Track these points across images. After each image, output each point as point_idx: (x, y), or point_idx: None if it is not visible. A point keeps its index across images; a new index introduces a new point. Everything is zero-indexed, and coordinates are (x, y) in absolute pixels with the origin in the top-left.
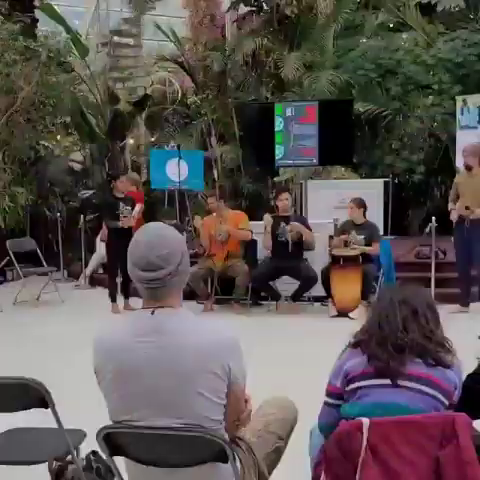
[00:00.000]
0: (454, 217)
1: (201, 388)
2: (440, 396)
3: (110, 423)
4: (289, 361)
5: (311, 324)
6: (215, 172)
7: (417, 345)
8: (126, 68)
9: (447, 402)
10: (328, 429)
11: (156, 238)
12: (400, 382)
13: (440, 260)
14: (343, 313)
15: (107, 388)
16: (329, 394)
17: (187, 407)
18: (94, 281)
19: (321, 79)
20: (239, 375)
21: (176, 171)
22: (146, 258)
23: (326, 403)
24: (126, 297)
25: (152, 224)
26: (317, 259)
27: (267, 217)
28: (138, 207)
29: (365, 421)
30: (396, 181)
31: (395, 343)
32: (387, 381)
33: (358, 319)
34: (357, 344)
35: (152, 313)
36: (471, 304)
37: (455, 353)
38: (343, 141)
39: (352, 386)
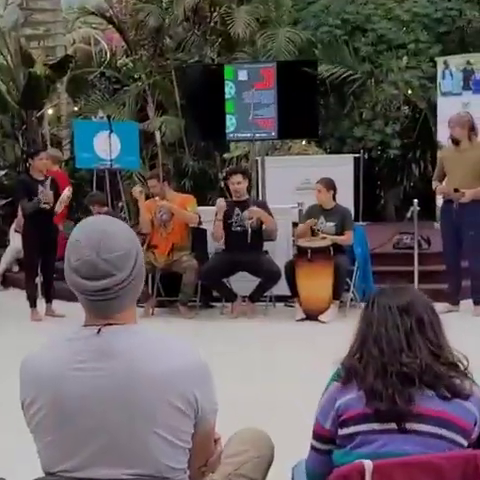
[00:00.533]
0: (440, 198)
1: (159, 427)
2: (458, 437)
3: (42, 475)
4: (249, 376)
5: (273, 329)
6: (157, 147)
7: (426, 370)
8: (42, 23)
9: (466, 443)
10: (318, 478)
11: (102, 236)
12: (409, 425)
13: (423, 250)
14: (312, 315)
15: (38, 428)
16: (318, 438)
17: (141, 452)
18: (7, 281)
19: (278, 37)
20: (208, 409)
21: (106, 147)
22: (90, 263)
23: (314, 448)
24: (48, 301)
25: (95, 218)
26: (279, 251)
27: (220, 202)
28: (67, 191)
29: (367, 464)
30: (367, 157)
31: (400, 371)
32: (392, 425)
33: (329, 323)
34: (349, 376)
35: (98, 332)
36: (461, 302)
37: (471, 376)
38: (306, 110)
39: (347, 431)
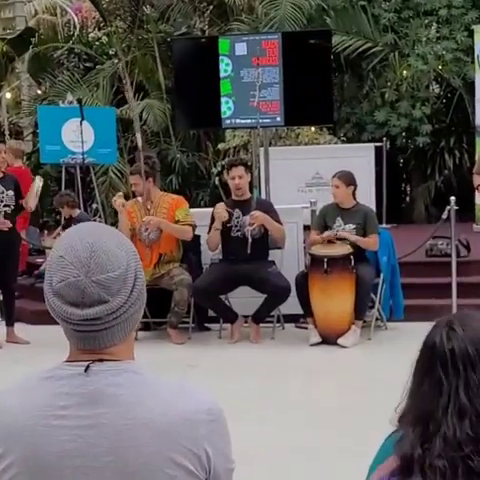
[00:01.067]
0: None
1: None
2: None
3: None
4: (256, 417)
5: (283, 357)
6: (138, 135)
7: None
8: None
9: None
10: None
11: (93, 251)
12: None
13: (462, 258)
14: (329, 339)
15: None
16: None
17: None
18: None
19: (282, 3)
20: (223, 468)
21: (77, 137)
22: (77, 285)
23: None
24: (10, 323)
25: (84, 226)
26: (288, 261)
27: (220, 210)
28: (39, 181)
29: None
30: (391, 146)
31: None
32: None
33: (351, 348)
34: (408, 460)
35: (85, 370)
36: None
37: None
38: (317, 91)
39: None
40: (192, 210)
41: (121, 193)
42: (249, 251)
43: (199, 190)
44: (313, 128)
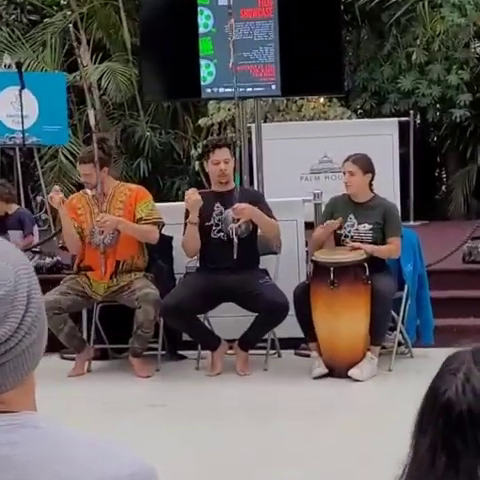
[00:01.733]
0: None
1: None
2: None
3: None
4: None
5: (278, 394)
6: (91, 112)
7: None
8: None
9: None
10: None
11: None
12: None
13: None
14: (337, 370)
15: None
16: None
17: None
18: None
19: None
20: None
21: (15, 111)
22: None
23: None
24: None
25: None
26: (285, 270)
27: (192, 195)
28: None
29: None
30: (421, 121)
31: None
32: None
33: (366, 381)
34: None
35: None
36: None
37: None
38: (324, 51)
39: None
40: (164, 205)
41: (57, 187)
42: (235, 255)
43: (175, 178)
44: (322, 99)
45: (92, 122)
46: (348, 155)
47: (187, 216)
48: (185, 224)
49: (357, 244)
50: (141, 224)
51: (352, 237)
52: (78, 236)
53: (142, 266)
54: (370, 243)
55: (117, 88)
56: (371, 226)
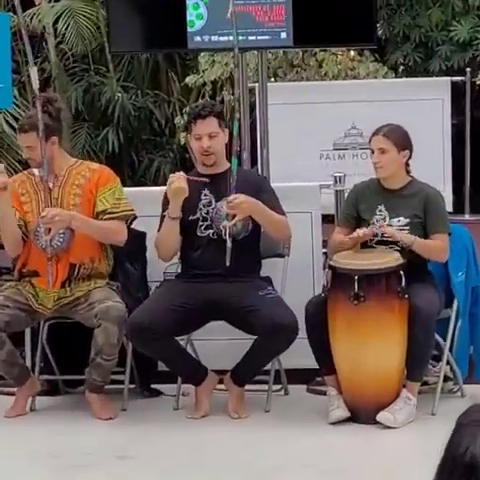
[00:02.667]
0: None
1: None
2: None
3: None
4: None
5: (284, 446)
6: (33, 70)
7: None
8: None
9: None
10: None
11: None
12: None
13: None
14: (363, 413)
15: None
16: None
17: None
18: None
19: None
20: None
21: None
22: None
23: None
24: None
25: None
26: (295, 278)
27: (177, 177)
28: None
29: None
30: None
31: None
32: None
33: (400, 429)
34: None
35: None
36: None
37: None
38: None
39: None
40: (139, 189)
41: (1, 165)
42: (228, 262)
43: (154, 154)
44: (352, 52)
45: (35, 85)
46: (377, 127)
47: (165, 207)
48: (162, 217)
49: (388, 229)
50: (104, 219)
51: (383, 235)
52: (20, 232)
53: (105, 272)
54: (411, 240)
55: (78, 34)
56: (408, 220)
